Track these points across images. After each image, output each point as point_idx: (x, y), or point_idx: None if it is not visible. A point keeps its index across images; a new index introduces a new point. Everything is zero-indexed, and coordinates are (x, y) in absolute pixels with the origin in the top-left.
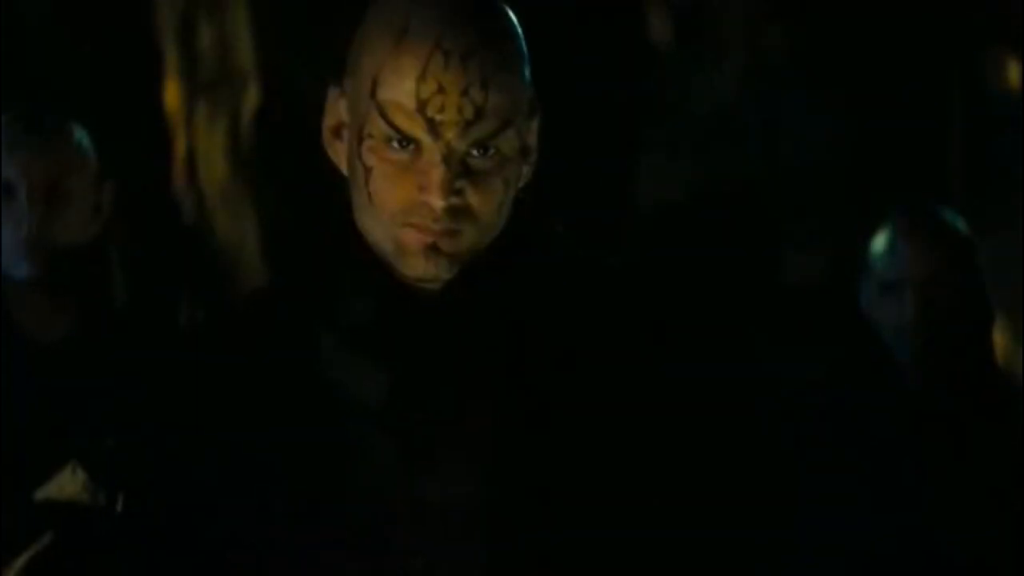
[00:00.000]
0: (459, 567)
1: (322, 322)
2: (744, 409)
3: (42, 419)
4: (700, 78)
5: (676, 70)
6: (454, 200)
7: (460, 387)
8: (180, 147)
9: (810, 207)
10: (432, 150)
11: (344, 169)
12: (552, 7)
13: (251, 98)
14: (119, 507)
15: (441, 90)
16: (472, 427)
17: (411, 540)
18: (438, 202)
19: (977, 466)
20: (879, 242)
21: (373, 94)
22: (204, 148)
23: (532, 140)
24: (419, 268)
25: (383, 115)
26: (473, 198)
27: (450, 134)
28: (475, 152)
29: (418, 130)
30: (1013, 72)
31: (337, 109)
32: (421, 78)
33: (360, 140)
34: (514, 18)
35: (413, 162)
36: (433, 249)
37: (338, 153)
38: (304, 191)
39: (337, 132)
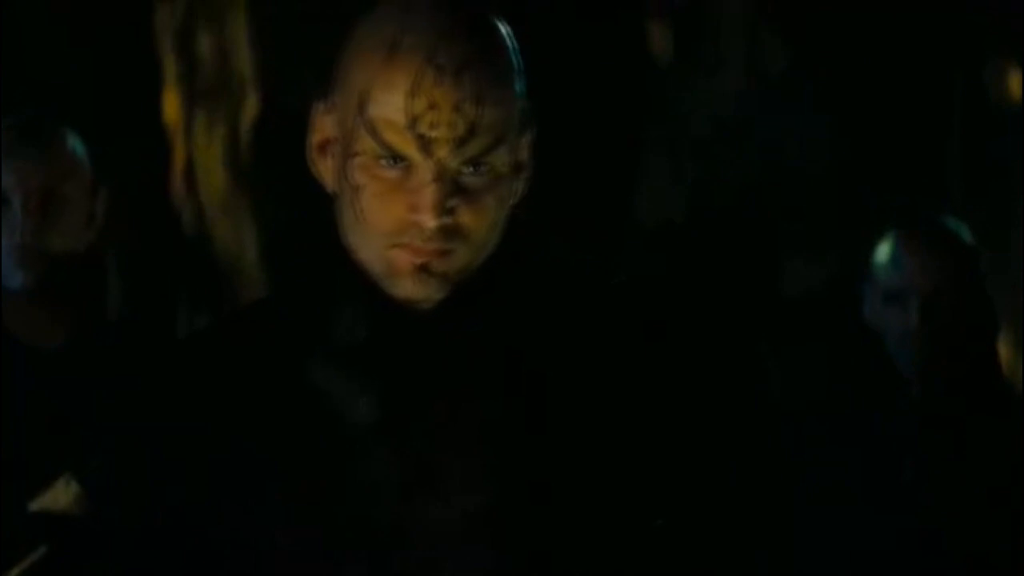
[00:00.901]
0: None
1: (313, 341)
2: (742, 416)
3: (38, 429)
4: (701, 87)
5: (677, 79)
6: (446, 219)
7: (454, 406)
8: (179, 156)
9: (811, 215)
10: (424, 168)
11: (330, 187)
12: (553, 19)
13: (250, 107)
14: (111, 522)
15: (433, 106)
16: (468, 446)
17: (409, 561)
18: (430, 222)
19: (981, 475)
20: (882, 252)
21: (362, 110)
22: (203, 157)
23: (525, 156)
24: (409, 289)
25: (373, 132)
26: (465, 217)
27: (442, 151)
28: (468, 169)
29: (409, 147)
30: (1014, 80)
31: (324, 125)
32: (412, 94)
33: (349, 157)
34: (507, 31)
35: (404, 180)
36: (424, 270)
37: (324, 170)
38: (303, 201)
39: (323, 148)
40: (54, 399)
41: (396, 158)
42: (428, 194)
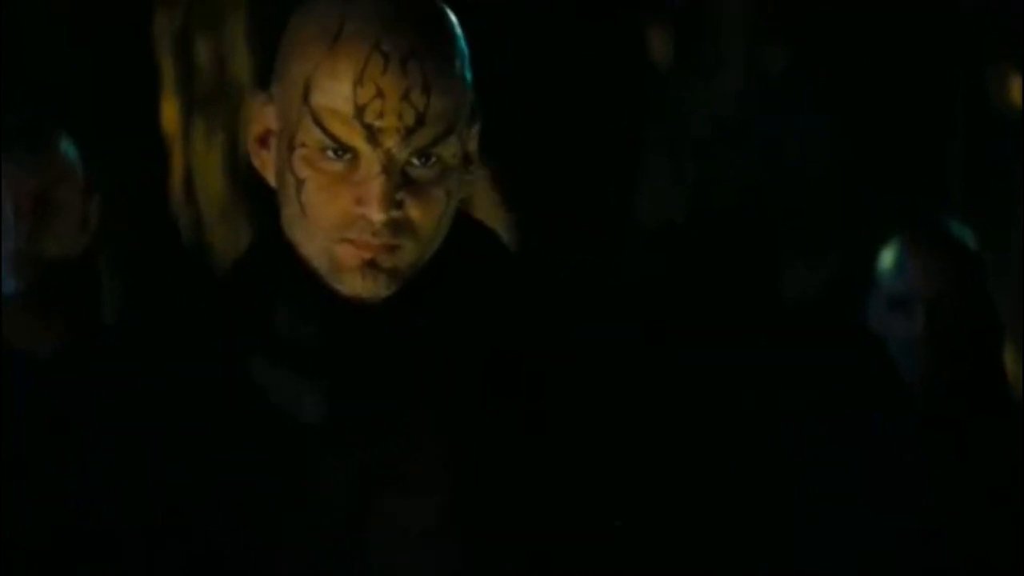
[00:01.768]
0: None
1: (257, 339)
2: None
3: (35, 435)
4: (701, 89)
5: (677, 80)
6: (394, 213)
7: (403, 405)
8: (177, 162)
9: (811, 218)
10: (371, 159)
11: (271, 180)
12: (552, 22)
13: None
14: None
15: (380, 95)
16: (418, 445)
17: (365, 563)
18: (378, 215)
19: (984, 479)
20: (886, 257)
21: (306, 100)
22: (201, 163)
23: (473, 148)
24: (356, 286)
25: (317, 122)
26: (414, 211)
27: (390, 142)
28: (416, 161)
29: (356, 138)
30: (1015, 87)
31: (263, 116)
32: (358, 82)
33: (291, 149)
34: (454, 18)
35: (350, 173)
36: (371, 265)
37: (265, 163)
38: None
39: (264, 141)
40: (47, 406)
41: (341, 149)
42: (375, 186)
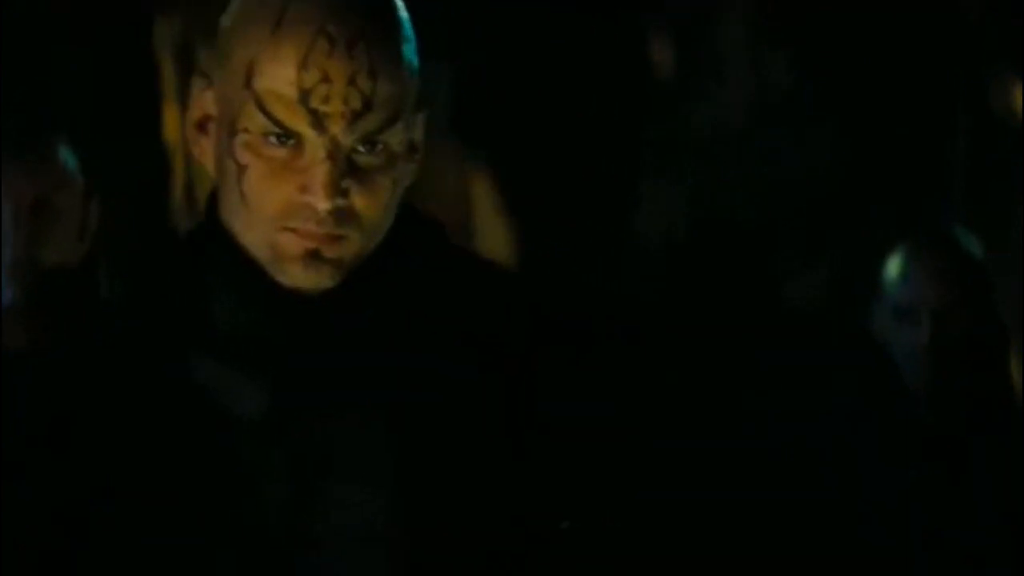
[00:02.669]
0: None
1: (196, 332)
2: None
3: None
4: (703, 99)
5: (678, 91)
6: (339, 201)
7: (346, 400)
8: (178, 171)
9: (815, 227)
10: (316, 145)
11: (210, 167)
12: (553, 30)
13: None
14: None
15: (326, 79)
16: (361, 442)
17: (305, 562)
18: (323, 203)
19: (991, 492)
20: (892, 266)
21: (248, 84)
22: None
23: (419, 136)
24: (299, 276)
25: (261, 107)
26: (359, 199)
27: (336, 127)
28: (362, 148)
29: (300, 123)
30: (1017, 95)
31: (203, 101)
32: (303, 66)
33: (233, 135)
34: (400, 2)
35: (293, 159)
36: (315, 256)
37: (204, 150)
38: None
39: (203, 127)
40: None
41: (285, 135)
42: (320, 173)
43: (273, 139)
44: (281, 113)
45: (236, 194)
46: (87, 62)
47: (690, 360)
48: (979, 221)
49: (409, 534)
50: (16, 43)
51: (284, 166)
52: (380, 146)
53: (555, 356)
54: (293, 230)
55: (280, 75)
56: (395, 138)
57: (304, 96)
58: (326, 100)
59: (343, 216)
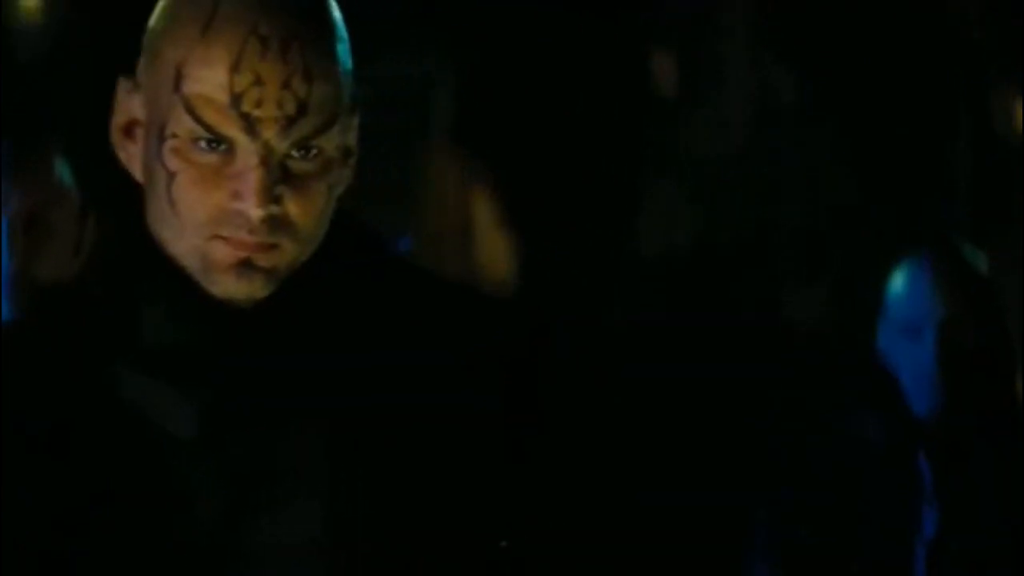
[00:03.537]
0: None
1: (122, 346)
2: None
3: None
4: (704, 115)
5: (680, 107)
6: (273, 208)
7: (280, 416)
8: None
9: (815, 241)
10: (248, 151)
11: (137, 173)
12: (554, 48)
13: None
14: None
15: (258, 82)
16: (296, 458)
17: None
18: (255, 211)
19: (997, 506)
20: (897, 282)
21: (177, 87)
22: None
23: (353, 140)
24: (230, 287)
25: (190, 111)
26: (293, 206)
27: (269, 132)
28: (296, 153)
29: (232, 128)
30: (1020, 106)
31: (129, 105)
32: (235, 68)
33: (161, 140)
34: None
35: (224, 165)
36: (247, 265)
37: (130, 155)
38: None
39: (129, 131)
40: None
41: (216, 140)
42: (253, 180)
43: (203, 144)
44: (212, 118)
45: (165, 201)
46: (84, 76)
47: (689, 377)
48: (984, 235)
49: (348, 547)
50: (11, 57)
51: (215, 172)
52: (315, 151)
53: (492, 365)
54: (224, 239)
55: (210, 78)
56: (330, 143)
57: (236, 100)
58: (259, 104)
59: (276, 224)
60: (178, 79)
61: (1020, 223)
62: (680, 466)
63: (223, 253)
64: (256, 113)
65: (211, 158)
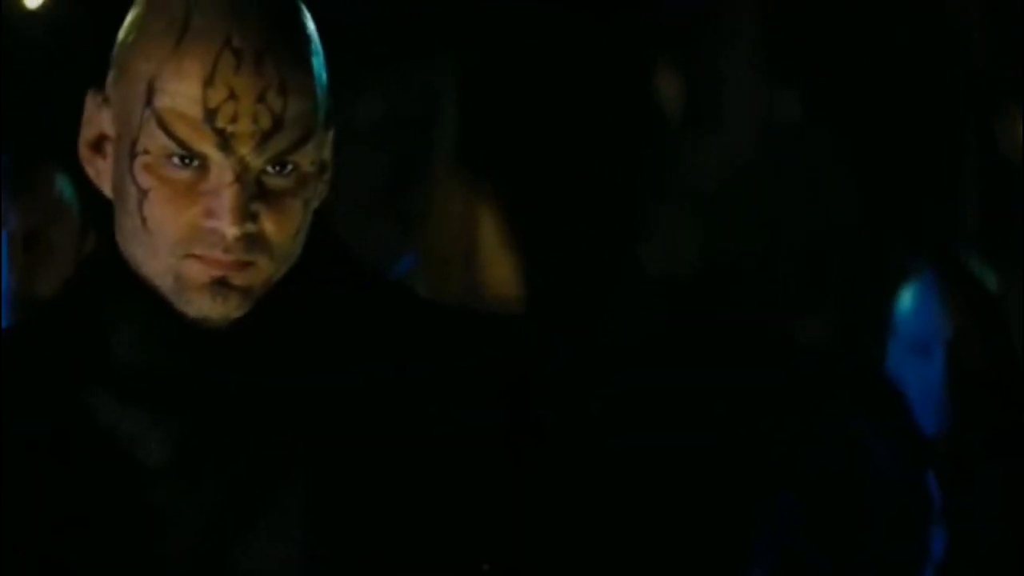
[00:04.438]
0: None
1: (93, 369)
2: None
3: None
4: (710, 135)
5: (684, 129)
6: (249, 227)
7: (256, 438)
8: None
9: (822, 261)
10: (222, 167)
11: (107, 190)
12: (559, 67)
13: None
14: None
15: (232, 96)
16: (279, 478)
17: None
18: (231, 229)
19: (1011, 529)
20: (905, 300)
21: (149, 102)
22: None
23: (328, 155)
24: (204, 306)
25: (163, 126)
26: (269, 224)
27: (244, 148)
28: (272, 169)
29: (206, 144)
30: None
31: (99, 120)
32: (208, 83)
33: (132, 157)
34: (307, 11)
35: (198, 182)
36: (221, 284)
37: (99, 171)
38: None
39: (98, 147)
40: None
41: (189, 157)
42: (228, 197)
43: (176, 160)
44: (185, 133)
45: (136, 219)
46: (84, 91)
47: (691, 399)
48: (992, 251)
49: (328, 572)
50: (12, 72)
51: (188, 189)
52: (291, 167)
53: (471, 384)
54: (198, 257)
55: (183, 93)
56: (306, 158)
57: (209, 115)
58: (233, 119)
59: (252, 242)
60: (150, 93)
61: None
62: (683, 481)
63: (197, 272)
64: (231, 128)
65: (184, 175)
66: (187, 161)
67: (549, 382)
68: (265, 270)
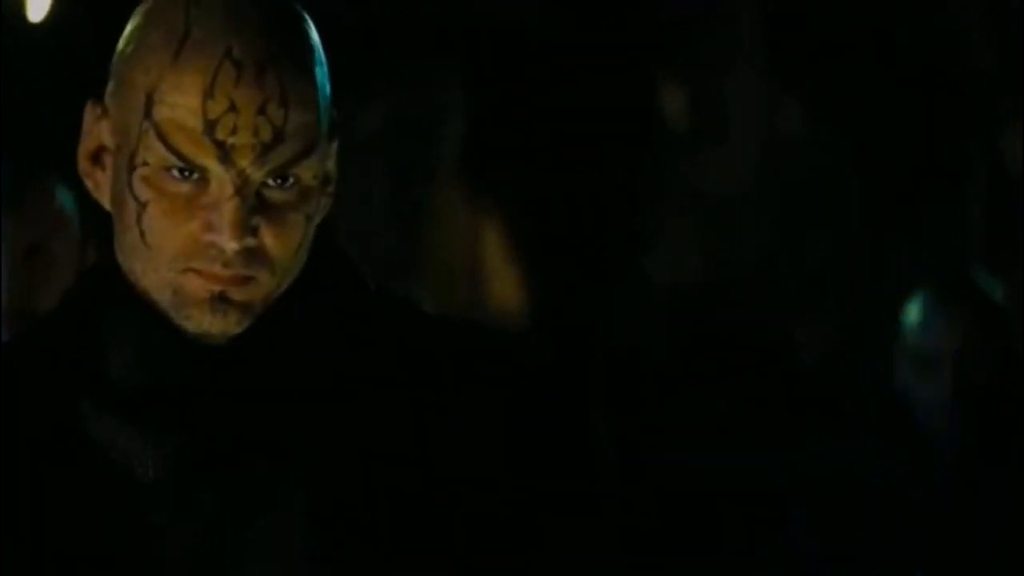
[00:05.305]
0: None
1: (90, 385)
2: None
3: None
4: (715, 145)
5: (691, 142)
6: (249, 241)
7: (257, 456)
8: None
9: (829, 275)
10: (222, 181)
11: (106, 202)
12: (564, 80)
13: None
14: None
15: (233, 108)
16: (279, 496)
17: None
18: (230, 243)
19: (1013, 537)
20: (911, 314)
21: (148, 114)
22: None
23: (332, 167)
24: (204, 322)
25: (162, 138)
26: (270, 238)
27: (244, 161)
28: (273, 182)
29: (206, 156)
30: None
31: (97, 131)
32: (209, 94)
33: (131, 169)
34: (310, 21)
35: (198, 195)
36: (221, 299)
37: (98, 184)
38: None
39: (97, 158)
40: None
41: (189, 169)
42: (228, 211)
43: (176, 173)
44: (184, 146)
45: (135, 233)
46: (84, 103)
47: (701, 411)
48: (998, 266)
49: None
50: (11, 86)
51: (188, 202)
52: (292, 180)
53: (475, 400)
54: (197, 271)
55: (183, 104)
56: (308, 171)
57: (209, 127)
58: (233, 131)
59: (252, 256)
60: (149, 105)
61: None
62: (683, 481)
63: (196, 286)
64: (231, 141)
65: (184, 187)
66: (186, 174)
67: (554, 394)
68: (266, 285)
